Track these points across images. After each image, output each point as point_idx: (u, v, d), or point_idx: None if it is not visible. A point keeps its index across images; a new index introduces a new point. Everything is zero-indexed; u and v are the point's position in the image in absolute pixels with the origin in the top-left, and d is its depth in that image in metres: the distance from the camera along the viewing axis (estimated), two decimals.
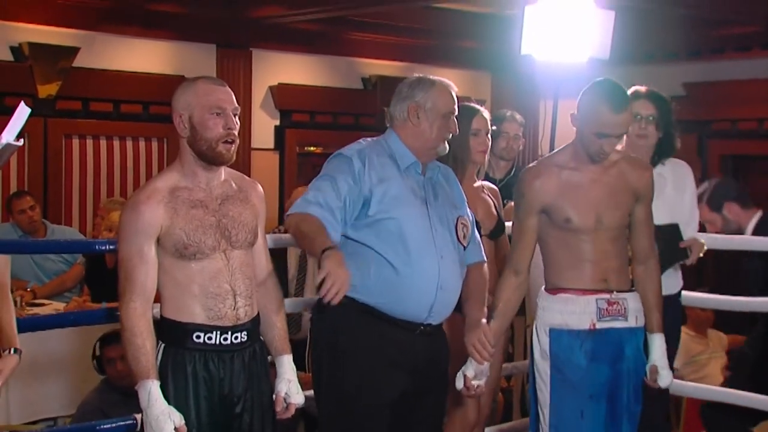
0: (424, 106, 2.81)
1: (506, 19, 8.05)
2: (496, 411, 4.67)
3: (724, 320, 5.22)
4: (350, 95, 8.11)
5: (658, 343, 2.98)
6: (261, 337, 2.68)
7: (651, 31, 7.03)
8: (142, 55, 7.02)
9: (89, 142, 6.79)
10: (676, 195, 3.43)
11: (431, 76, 2.91)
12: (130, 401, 3.86)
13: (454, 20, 7.93)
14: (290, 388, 2.62)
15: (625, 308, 2.90)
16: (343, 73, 8.09)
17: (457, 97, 2.88)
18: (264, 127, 7.63)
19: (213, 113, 2.51)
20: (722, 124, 7.25)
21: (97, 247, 4.05)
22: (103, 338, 4.11)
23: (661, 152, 3.42)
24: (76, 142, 6.72)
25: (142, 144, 7.10)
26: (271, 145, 7.68)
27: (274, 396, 2.63)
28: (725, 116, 7.13)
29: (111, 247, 4.09)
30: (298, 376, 4.12)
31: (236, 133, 2.54)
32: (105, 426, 3.28)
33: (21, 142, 1.51)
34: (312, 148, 8.07)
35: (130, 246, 2.50)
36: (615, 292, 2.89)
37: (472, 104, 3.56)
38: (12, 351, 2.49)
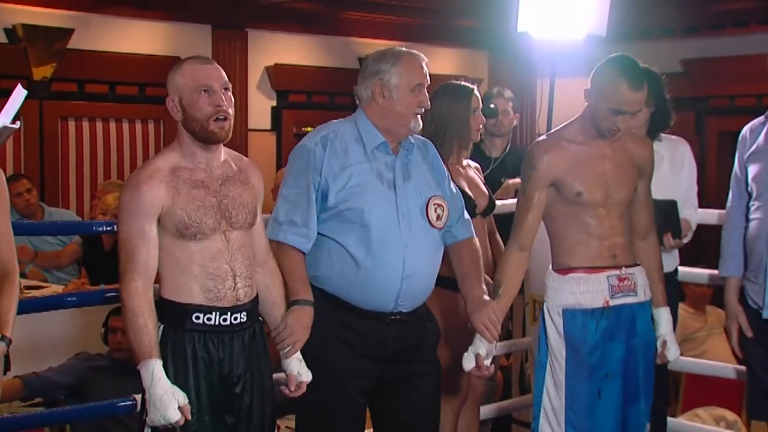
0: (389, 82, 2.68)
1: None
2: (495, 389, 4.66)
3: (722, 297, 5.19)
4: (347, 75, 7.87)
5: (665, 317, 2.97)
6: (260, 318, 2.66)
7: (648, 7, 6.95)
8: (137, 37, 6.99)
9: (85, 124, 6.76)
10: (672, 172, 3.38)
11: (397, 48, 2.76)
12: (116, 376, 3.94)
13: None
14: (301, 367, 2.61)
15: (634, 283, 2.87)
16: (339, 52, 8.05)
17: (426, 66, 2.73)
18: (261, 107, 7.60)
19: (201, 92, 2.47)
20: (720, 101, 7.19)
21: (94, 228, 4.02)
22: (116, 309, 4.09)
23: (655, 128, 3.36)
24: (72, 124, 6.69)
25: (138, 126, 7.08)
26: (268, 126, 7.66)
27: (285, 375, 2.62)
28: (723, 93, 7.07)
29: (108, 228, 4.07)
30: None
31: (228, 110, 2.49)
32: (104, 405, 3.30)
33: (18, 125, 1.47)
34: (309, 129, 8.02)
35: (131, 226, 2.46)
36: (624, 268, 2.86)
37: (465, 83, 3.50)
38: (1, 338, 2.42)
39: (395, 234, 2.66)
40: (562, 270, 2.88)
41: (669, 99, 3.38)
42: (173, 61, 7.26)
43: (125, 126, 7.02)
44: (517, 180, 4.40)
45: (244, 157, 2.68)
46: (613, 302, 2.84)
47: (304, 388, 2.61)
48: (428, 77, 2.74)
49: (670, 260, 3.41)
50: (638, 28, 7.01)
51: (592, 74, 2.85)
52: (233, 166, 2.60)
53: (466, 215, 2.93)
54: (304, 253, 2.70)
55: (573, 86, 5.70)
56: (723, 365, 3.92)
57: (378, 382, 2.72)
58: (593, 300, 2.84)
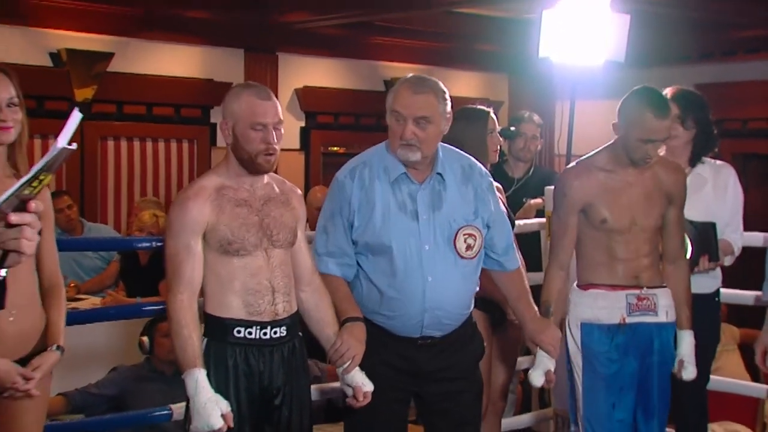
0: (388, 107, 2.61)
1: (523, 22, 8.00)
2: (515, 402, 4.67)
3: (737, 315, 5.18)
4: (372, 97, 8.01)
5: (687, 340, 2.96)
6: (300, 333, 2.68)
7: (665, 34, 6.98)
8: (173, 60, 7.05)
9: (123, 143, 6.82)
10: (715, 195, 3.33)
11: (403, 77, 2.65)
12: (156, 385, 3.97)
13: (472, 24, 7.91)
14: (363, 378, 2.62)
15: (654, 303, 2.89)
16: (365, 75, 8.10)
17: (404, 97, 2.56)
18: (290, 128, 7.61)
19: (255, 128, 2.49)
20: (733, 124, 7.16)
21: (134, 244, 4.07)
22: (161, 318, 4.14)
23: (698, 151, 3.32)
24: (111, 143, 6.75)
25: (173, 145, 7.12)
26: (297, 146, 7.69)
27: (351, 388, 2.62)
28: (736, 116, 7.04)
29: (147, 244, 4.15)
30: (325, 369, 4.15)
31: (276, 146, 2.52)
32: (140, 414, 3.35)
33: (74, 147, 1.52)
34: (336, 149, 8.08)
35: (177, 241, 2.50)
36: (645, 288, 2.88)
37: (480, 106, 3.46)
38: (55, 348, 2.48)
39: (417, 266, 2.62)
40: (584, 286, 2.93)
41: (713, 123, 3.33)
42: (207, 84, 7.45)
43: (161, 145, 7.06)
44: (539, 200, 4.45)
45: (286, 181, 2.71)
46: (630, 320, 2.87)
47: (369, 397, 2.61)
48: (409, 107, 2.55)
49: (711, 281, 3.35)
50: (655, 53, 7.02)
51: (619, 108, 2.88)
52: (275, 188, 2.63)
53: (512, 242, 2.86)
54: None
55: (592, 108, 5.77)
56: (742, 383, 3.91)
57: (417, 396, 2.73)
58: (610, 316, 2.87)
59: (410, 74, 2.71)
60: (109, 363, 4.34)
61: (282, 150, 8.06)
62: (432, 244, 2.63)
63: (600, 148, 2.99)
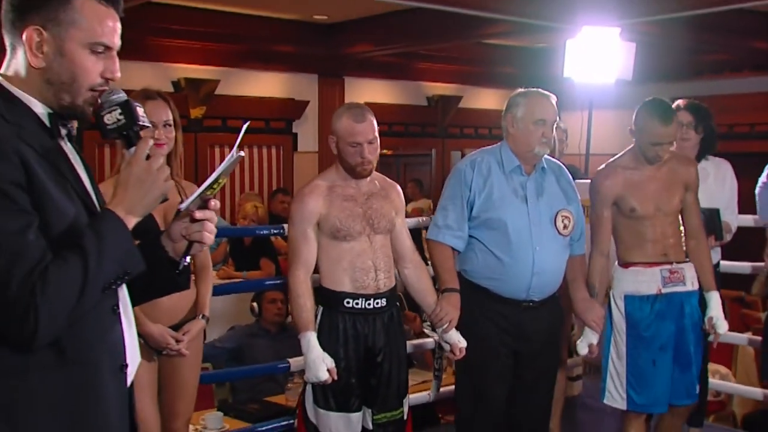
0: (516, 115, 2.51)
1: (537, 50, 7.91)
2: None
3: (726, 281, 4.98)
4: (417, 110, 8.08)
5: (714, 299, 2.82)
6: (396, 303, 2.56)
7: (663, 57, 6.85)
8: (263, 84, 7.04)
9: (227, 150, 6.78)
10: (716, 186, 3.22)
11: (531, 89, 2.54)
12: (266, 341, 3.91)
13: (496, 52, 7.91)
14: (459, 337, 2.49)
15: (683, 276, 2.76)
16: (411, 93, 8.06)
17: (552, 104, 2.49)
18: None
19: (352, 146, 2.40)
20: (721, 128, 6.98)
21: (256, 231, 3.96)
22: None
23: (704, 149, 3.22)
24: (217, 150, 6.71)
25: (264, 150, 7.09)
26: None
27: (449, 345, 2.51)
28: (724, 122, 6.86)
29: (265, 232, 4.04)
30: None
31: (371, 157, 2.42)
32: (265, 367, 3.27)
33: (243, 154, 1.41)
34: (386, 151, 8.00)
35: (296, 229, 2.41)
36: (674, 263, 2.75)
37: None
38: (201, 316, 2.42)
39: (527, 238, 2.50)
40: (624, 264, 2.78)
41: (715, 129, 3.24)
42: (290, 102, 7.41)
43: (255, 151, 7.03)
44: None
45: (387, 179, 2.59)
46: (665, 290, 2.73)
47: (464, 352, 2.51)
48: (553, 114, 2.50)
49: (714, 255, 3.23)
50: (656, 73, 6.90)
51: (634, 117, 2.76)
52: (377, 184, 2.52)
53: (584, 232, 2.75)
54: (453, 251, 2.58)
55: (605, 116, 5.70)
56: (738, 335, 3.72)
57: (515, 354, 2.58)
58: (649, 288, 2.73)
59: (532, 89, 2.58)
60: (227, 323, 4.28)
61: None
62: (537, 223, 2.53)
63: (624, 151, 2.87)
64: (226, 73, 6.68)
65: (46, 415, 1.19)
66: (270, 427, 3.02)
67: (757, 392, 3.56)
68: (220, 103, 6.59)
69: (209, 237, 1.35)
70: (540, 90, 2.55)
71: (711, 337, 2.81)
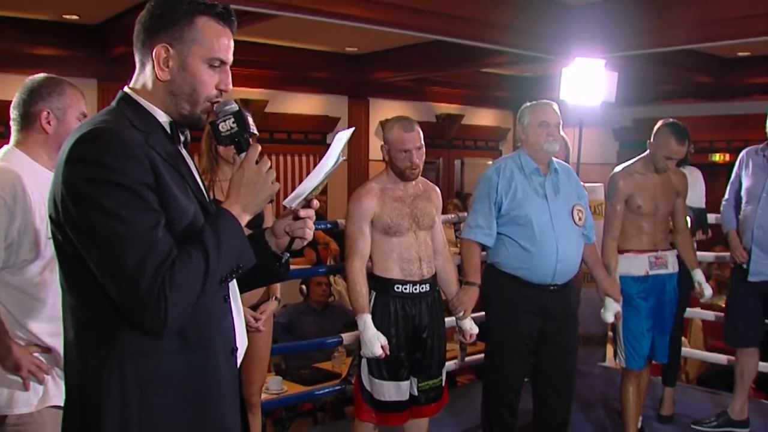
0: (524, 123, 2.43)
1: (525, 78, 7.82)
2: None
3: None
4: (428, 126, 7.92)
5: (699, 273, 2.83)
6: (437, 288, 2.43)
7: (640, 84, 6.80)
8: (303, 103, 6.94)
9: (274, 158, 6.70)
10: (691, 189, 3.10)
11: (535, 101, 2.46)
12: (313, 318, 3.79)
13: (492, 79, 7.87)
14: (472, 324, 2.40)
15: (666, 261, 2.75)
16: (423, 112, 7.97)
17: (555, 110, 2.40)
18: (376, 145, 7.39)
19: (402, 152, 2.28)
20: (700, 144, 6.86)
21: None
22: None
23: (683, 160, 3.10)
24: (265, 158, 6.61)
25: (303, 158, 6.99)
26: (380, 157, 7.46)
27: (458, 329, 2.41)
28: (702, 138, 6.75)
29: (321, 226, 3.87)
30: None
31: (418, 162, 2.28)
32: (318, 342, 3.13)
33: (344, 158, 1.29)
34: None
35: (353, 225, 2.28)
36: (660, 251, 2.74)
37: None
38: (274, 298, 2.31)
39: (550, 230, 2.39)
40: (621, 251, 2.76)
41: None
42: (324, 118, 7.36)
43: (296, 159, 6.93)
44: None
45: (429, 182, 2.45)
46: (651, 272, 2.74)
47: (474, 338, 2.41)
48: (555, 117, 2.40)
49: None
50: (634, 97, 6.84)
51: (654, 132, 2.73)
52: (421, 187, 2.38)
53: (592, 222, 2.62)
54: (482, 248, 2.46)
55: (593, 132, 5.66)
56: (691, 309, 3.59)
57: (540, 332, 2.45)
58: (639, 270, 2.73)
59: (535, 101, 2.48)
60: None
61: (372, 160, 8.00)
62: (558, 216, 2.41)
63: (636, 158, 2.81)
64: (272, 94, 6.62)
65: (174, 394, 1.09)
66: (326, 390, 2.89)
67: (716, 356, 3.53)
68: (268, 120, 6.50)
69: (310, 233, 1.24)
70: (542, 100, 2.47)
71: (704, 298, 2.81)
